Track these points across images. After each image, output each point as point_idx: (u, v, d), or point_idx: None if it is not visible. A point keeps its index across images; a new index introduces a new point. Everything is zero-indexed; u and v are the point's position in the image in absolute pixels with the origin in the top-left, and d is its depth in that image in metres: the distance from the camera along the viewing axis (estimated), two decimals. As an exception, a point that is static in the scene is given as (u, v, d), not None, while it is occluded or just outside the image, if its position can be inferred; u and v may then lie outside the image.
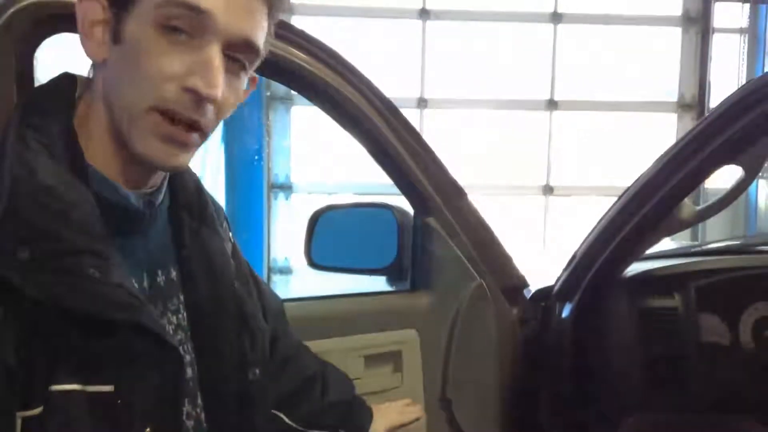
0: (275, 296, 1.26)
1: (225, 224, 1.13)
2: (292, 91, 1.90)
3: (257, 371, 1.06)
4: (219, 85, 0.85)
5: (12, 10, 1.07)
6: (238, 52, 0.88)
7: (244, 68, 0.91)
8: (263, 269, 4.45)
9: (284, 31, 1.40)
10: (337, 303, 1.57)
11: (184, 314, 0.99)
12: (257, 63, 0.93)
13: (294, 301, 1.62)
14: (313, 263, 1.62)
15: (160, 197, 0.96)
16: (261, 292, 1.19)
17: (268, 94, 4.35)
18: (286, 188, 4.55)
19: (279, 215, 4.54)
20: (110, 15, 0.87)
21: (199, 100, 0.86)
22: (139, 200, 0.92)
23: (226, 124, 4.10)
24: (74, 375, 0.81)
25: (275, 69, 1.42)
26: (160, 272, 0.97)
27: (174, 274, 0.99)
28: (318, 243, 1.60)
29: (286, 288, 4.49)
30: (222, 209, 1.14)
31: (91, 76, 0.94)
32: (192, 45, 0.85)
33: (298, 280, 4.41)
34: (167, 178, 0.98)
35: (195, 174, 1.08)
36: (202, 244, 1.03)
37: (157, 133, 0.87)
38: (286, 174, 4.55)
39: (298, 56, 1.41)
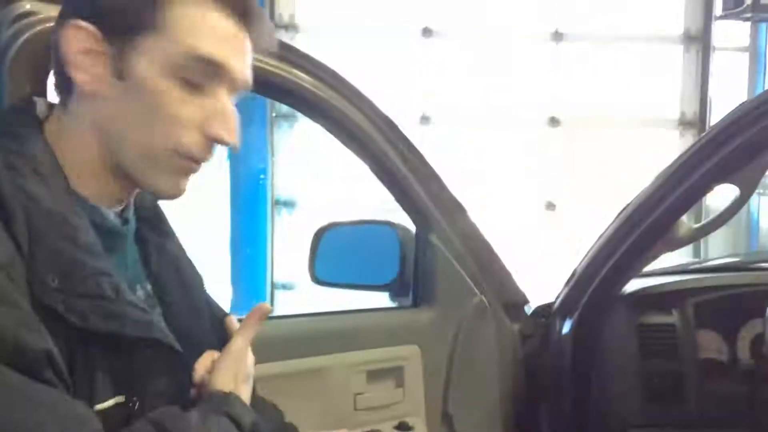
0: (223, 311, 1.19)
1: None
2: (296, 110, 1.93)
3: None
4: (236, 131, 0.90)
5: (24, 37, 1.08)
6: (234, 92, 0.92)
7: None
8: (266, 284, 4.46)
9: (287, 53, 1.43)
10: (339, 319, 1.59)
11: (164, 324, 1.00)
12: None
13: (297, 317, 1.64)
14: (317, 279, 1.64)
15: (131, 213, 0.97)
16: None
17: (274, 114, 4.39)
18: (290, 205, 4.58)
19: (282, 231, 4.57)
20: (108, 48, 0.86)
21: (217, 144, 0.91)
22: (116, 219, 0.94)
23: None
24: (109, 392, 0.84)
25: (279, 90, 1.45)
26: (138, 287, 0.97)
27: (149, 288, 1.00)
28: (322, 259, 1.62)
29: (289, 303, 4.51)
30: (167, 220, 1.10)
31: (59, 101, 0.92)
32: (204, 91, 0.88)
33: (301, 296, 4.42)
34: (133, 196, 0.98)
35: None
36: (169, 258, 1.03)
37: (175, 171, 0.91)
38: (290, 190, 4.58)
39: (301, 77, 1.45)
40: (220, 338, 1.04)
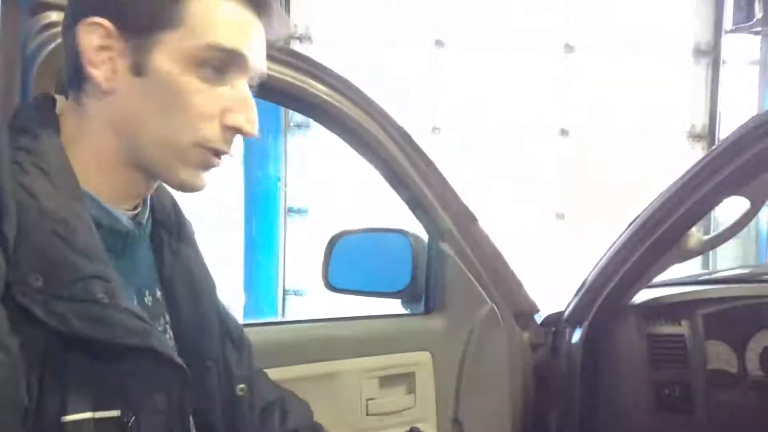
0: (235, 319, 1.16)
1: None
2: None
3: (244, 386, 1.06)
4: (257, 121, 0.90)
5: (50, 47, 1.11)
6: (251, 81, 0.92)
7: None
8: (278, 290, 4.50)
9: (302, 63, 1.46)
10: (353, 324, 1.61)
11: (171, 334, 0.99)
12: None
13: (312, 322, 1.66)
14: (330, 286, 1.65)
15: (146, 216, 0.96)
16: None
17: (292, 124, 4.44)
18: (302, 212, 4.61)
19: (295, 238, 4.60)
20: (125, 44, 0.86)
21: (237, 135, 0.90)
22: (128, 221, 0.92)
23: (246, 150, 4.18)
24: (85, 403, 0.81)
25: (293, 99, 1.48)
26: (147, 292, 0.96)
27: (159, 294, 0.99)
28: (335, 266, 1.64)
29: (300, 310, 4.53)
30: (191, 224, 1.09)
31: (72, 98, 0.91)
32: (221, 80, 0.88)
33: (312, 302, 4.45)
34: (148, 198, 0.97)
35: (170, 192, 1.05)
36: (182, 263, 1.02)
37: (196, 164, 0.90)
38: (303, 198, 4.62)
39: (315, 86, 1.47)
40: (226, 352, 1.04)
